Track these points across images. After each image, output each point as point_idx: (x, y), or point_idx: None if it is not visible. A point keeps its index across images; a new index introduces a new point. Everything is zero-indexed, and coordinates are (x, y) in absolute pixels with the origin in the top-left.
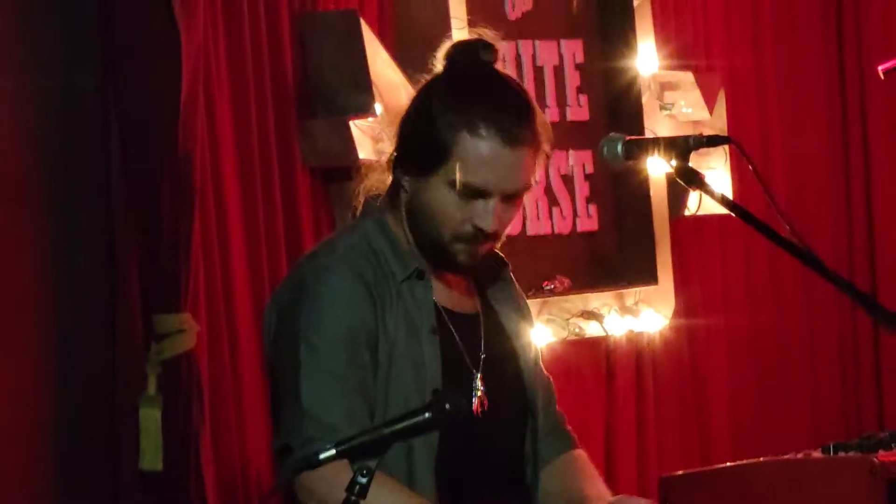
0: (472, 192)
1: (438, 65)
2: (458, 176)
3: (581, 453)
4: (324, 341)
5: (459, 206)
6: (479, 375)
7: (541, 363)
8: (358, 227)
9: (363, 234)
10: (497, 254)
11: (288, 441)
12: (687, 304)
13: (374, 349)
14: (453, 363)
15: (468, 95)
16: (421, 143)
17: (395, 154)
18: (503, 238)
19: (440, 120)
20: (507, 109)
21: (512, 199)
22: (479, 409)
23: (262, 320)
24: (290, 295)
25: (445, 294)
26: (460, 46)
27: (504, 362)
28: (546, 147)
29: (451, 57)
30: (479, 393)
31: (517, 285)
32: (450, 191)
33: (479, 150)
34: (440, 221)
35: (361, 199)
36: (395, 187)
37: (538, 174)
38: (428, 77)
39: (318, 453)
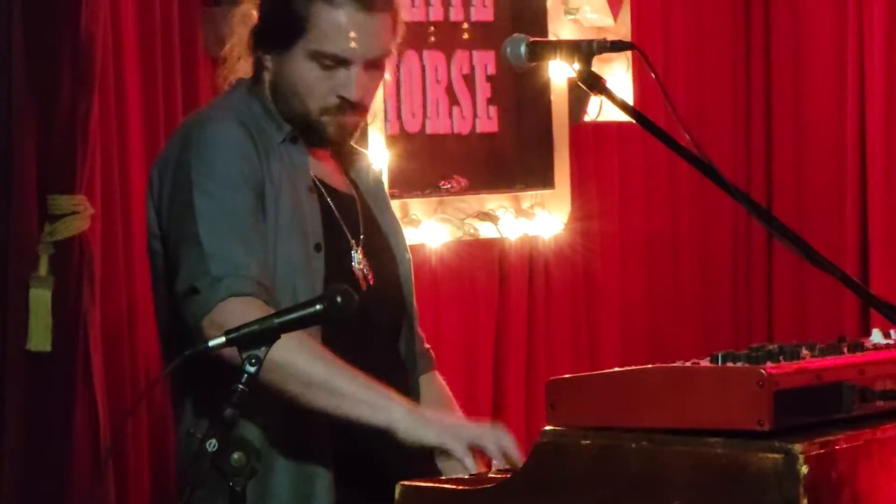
0: (333, 62)
1: None
2: (315, 45)
3: (438, 377)
4: (218, 185)
5: (322, 78)
6: (359, 248)
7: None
8: (231, 92)
9: (239, 97)
10: (367, 154)
11: (193, 283)
12: (583, 209)
13: (261, 196)
14: (331, 226)
15: None
16: (277, 17)
17: (253, 34)
18: (369, 109)
19: None
20: None
21: (374, 66)
22: (364, 283)
23: (146, 190)
24: (176, 148)
25: (320, 168)
26: None
27: (382, 250)
28: (401, 13)
29: None
30: (359, 264)
31: (386, 191)
32: (310, 63)
33: (335, 18)
34: (305, 95)
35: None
36: (258, 68)
37: (399, 37)
38: None
39: (207, 341)
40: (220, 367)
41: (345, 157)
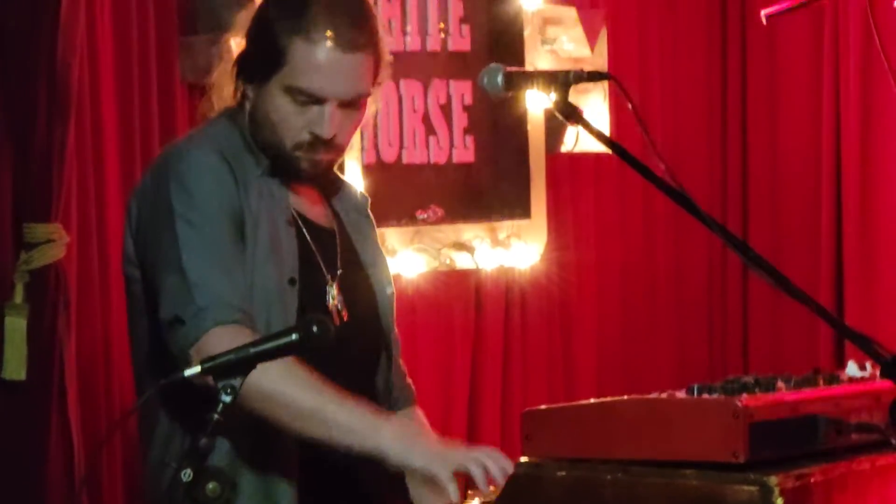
0: (307, 98)
1: None
2: (290, 81)
3: (418, 411)
4: (199, 214)
5: (296, 113)
6: (334, 284)
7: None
8: (212, 123)
9: (219, 128)
10: (358, 191)
11: (177, 312)
12: (559, 240)
13: (240, 226)
14: (308, 262)
15: (304, 2)
16: (258, 49)
17: (236, 63)
18: (346, 147)
19: (276, 25)
20: (342, 14)
21: (351, 105)
22: (338, 319)
23: (125, 219)
24: (155, 177)
25: (300, 202)
26: None
27: (361, 291)
28: (386, 54)
29: None
30: (334, 301)
31: (375, 227)
32: (285, 97)
33: (312, 55)
34: (280, 129)
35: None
36: (242, 98)
37: (382, 78)
38: None
39: (182, 371)
40: (192, 399)
41: (328, 187)
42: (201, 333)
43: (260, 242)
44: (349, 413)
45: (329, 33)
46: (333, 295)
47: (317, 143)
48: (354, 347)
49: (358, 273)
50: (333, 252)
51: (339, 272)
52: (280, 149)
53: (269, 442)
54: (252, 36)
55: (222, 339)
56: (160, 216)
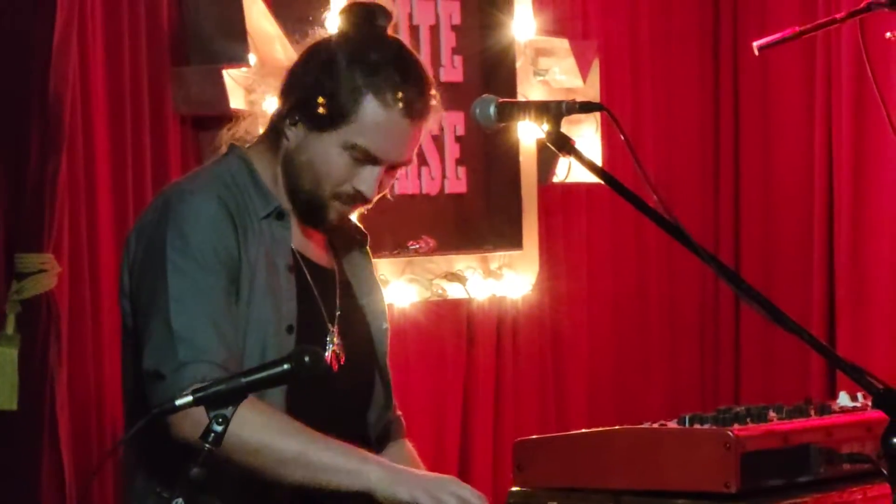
0: (364, 157)
1: (332, 23)
2: (355, 139)
3: (408, 444)
4: (192, 264)
5: (346, 168)
6: (334, 329)
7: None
8: (222, 160)
9: (227, 167)
10: (357, 225)
11: (159, 367)
12: (551, 270)
13: (236, 277)
14: (309, 308)
15: (377, 61)
16: (321, 98)
17: (283, 102)
18: (372, 204)
19: (346, 79)
20: (413, 81)
21: (395, 168)
22: (336, 363)
23: (123, 251)
24: (153, 218)
25: (303, 242)
26: (359, 8)
27: (356, 326)
28: (432, 124)
29: (351, 17)
30: (333, 346)
31: (372, 261)
32: (341, 152)
33: (381, 117)
34: (322, 178)
35: (226, 145)
36: (274, 135)
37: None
38: (320, 32)
39: (174, 399)
40: (170, 455)
41: (343, 240)
42: (178, 391)
43: (257, 290)
44: (333, 454)
45: (402, 99)
46: (333, 340)
47: (356, 198)
48: (349, 383)
49: (355, 311)
50: (333, 293)
51: (338, 313)
52: (316, 196)
53: (261, 496)
54: (314, 81)
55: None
56: (154, 259)
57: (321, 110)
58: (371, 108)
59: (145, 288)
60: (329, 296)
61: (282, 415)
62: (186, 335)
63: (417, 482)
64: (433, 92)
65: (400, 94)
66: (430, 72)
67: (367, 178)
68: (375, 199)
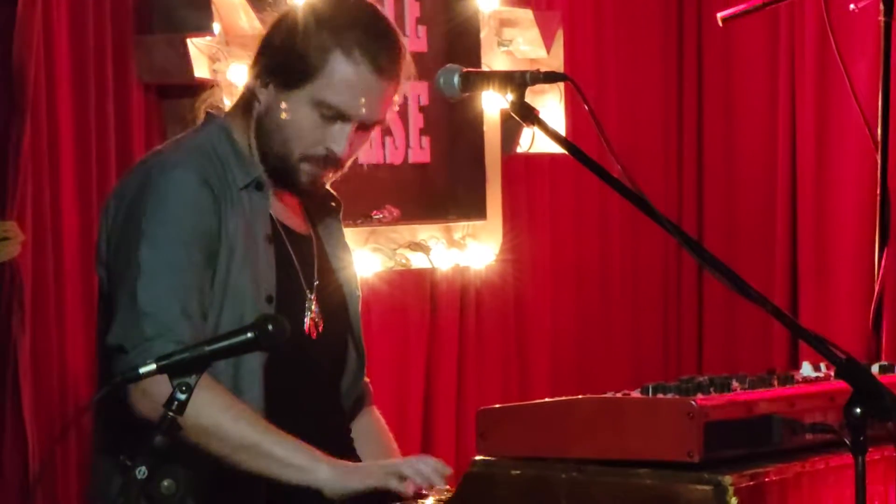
0: (333, 114)
1: None
2: (323, 94)
3: (375, 412)
4: (166, 239)
5: (316, 126)
6: (313, 297)
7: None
8: (202, 129)
9: (207, 137)
10: (331, 192)
11: (123, 342)
12: (514, 240)
13: (213, 254)
14: (288, 276)
15: (347, 20)
16: (290, 57)
17: (254, 65)
18: (345, 169)
19: (314, 37)
20: (382, 40)
21: (366, 128)
22: (315, 331)
23: (100, 216)
24: (134, 188)
25: (281, 209)
26: None
27: (333, 293)
28: (403, 89)
29: None
30: (312, 314)
31: (343, 229)
32: (311, 109)
33: (348, 73)
34: (293, 139)
35: (202, 114)
36: (248, 99)
37: (395, 107)
38: (289, 2)
39: (138, 368)
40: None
41: (317, 206)
42: (141, 366)
43: (236, 261)
44: (285, 448)
45: (370, 55)
46: (312, 308)
47: (328, 159)
48: (325, 350)
49: (331, 280)
50: (311, 260)
51: (316, 283)
52: (286, 158)
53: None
54: (283, 42)
55: (162, 378)
56: (130, 231)
57: (289, 68)
58: (339, 64)
59: (117, 258)
60: (307, 263)
61: (240, 402)
62: (152, 310)
63: (370, 472)
64: (405, 54)
65: (368, 51)
66: (402, 36)
67: (337, 136)
68: (348, 163)
